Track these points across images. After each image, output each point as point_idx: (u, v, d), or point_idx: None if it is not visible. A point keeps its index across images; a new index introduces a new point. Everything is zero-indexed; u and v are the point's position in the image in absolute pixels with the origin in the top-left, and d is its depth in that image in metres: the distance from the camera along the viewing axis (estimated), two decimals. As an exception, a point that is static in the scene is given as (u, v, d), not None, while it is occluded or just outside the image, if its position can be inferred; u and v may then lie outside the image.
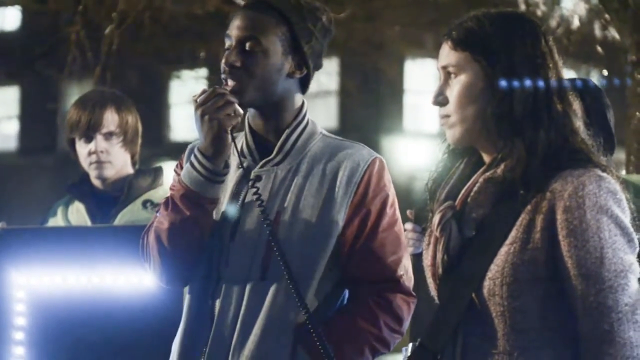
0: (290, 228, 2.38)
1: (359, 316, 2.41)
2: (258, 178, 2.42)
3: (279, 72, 2.42)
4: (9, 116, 21.40)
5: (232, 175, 2.44)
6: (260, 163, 2.43)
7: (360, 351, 2.40)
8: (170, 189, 2.48)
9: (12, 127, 21.54)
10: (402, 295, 2.44)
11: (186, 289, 2.50)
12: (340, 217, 2.40)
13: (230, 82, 2.38)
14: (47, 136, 18.15)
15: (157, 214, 2.43)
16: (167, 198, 2.42)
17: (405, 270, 2.46)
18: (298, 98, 2.48)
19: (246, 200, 2.42)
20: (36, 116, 18.82)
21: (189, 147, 2.52)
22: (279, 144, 2.44)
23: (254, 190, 2.38)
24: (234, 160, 2.44)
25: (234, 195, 2.43)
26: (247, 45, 2.39)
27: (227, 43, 2.43)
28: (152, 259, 2.42)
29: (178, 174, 2.48)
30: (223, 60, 2.40)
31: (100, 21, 9.09)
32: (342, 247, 2.41)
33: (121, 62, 10.03)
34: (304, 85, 2.48)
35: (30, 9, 12.18)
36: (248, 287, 2.37)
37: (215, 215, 2.43)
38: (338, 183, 2.41)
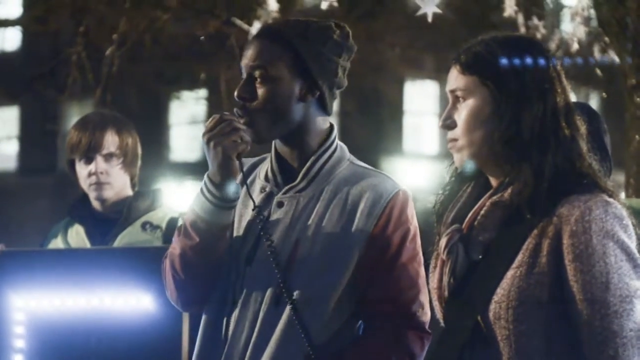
0: (309, 256, 2.35)
1: (370, 350, 2.37)
2: (280, 204, 2.39)
3: (290, 98, 2.39)
4: (9, 136, 21.40)
5: (255, 199, 2.40)
6: (284, 189, 2.40)
7: None
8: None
9: (12, 148, 21.54)
10: (416, 331, 2.39)
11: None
12: (358, 248, 2.36)
13: (242, 115, 2.37)
14: (47, 157, 18.15)
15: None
16: (179, 224, 2.41)
17: (421, 306, 2.40)
18: (321, 121, 2.44)
19: (266, 226, 2.38)
20: (36, 137, 18.83)
21: None
22: (303, 170, 2.41)
23: (265, 229, 2.35)
24: (258, 184, 2.42)
25: (255, 220, 2.39)
26: (255, 75, 2.38)
27: (243, 74, 2.42)
28: (168, 284, 2.42)
29: None
30: (235, 93, 2.39)
31: (101, 42, 9.11)
32: (359, 279, 2.37)
33: (121, 83, 10.04)
34: (324, 107, 2.44)
35: (31, 29, 12.21)
36: (261, 313, 2.35)
37: (235, 236, 2.41)
38: (359, 214, 2.37)
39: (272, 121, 2.38)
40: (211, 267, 2.37)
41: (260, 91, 2.38)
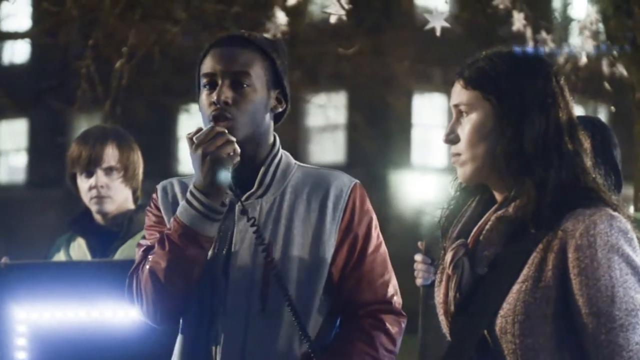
0: (284, 258, 2.40)
1: (357, 339, 2.43)
2: (244, 211, 2.41)
3: (266, 107, 2.44)
4: (18, 149, 21.48)
5: None
6: (244, 197, 2.43)
7: None
8: (145, 228, 2.49)
9: (21, 160, 21.61)
10: (394, 316, 2.48)
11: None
12: (331, 243, 2.43)
13: (224, 120, 2.37)
14: (56, 170, 18.16)
15: (150, 256, 2.40)
16: (160, 237, 2.40)
17: (396, 290, 2.51)
18: (272, 132, 2.50)
19: (236, 235, 2.42)
20: (45, 149, 18.89)
21: (161, 187, 2.52)
22: (259, 177, 2.45)
23: (254, 228, 2.38)
24: None
25: (223, 231, 2.42)
26: (237, 80, 2.40)
27: (206, 80, 2.41)
28: (145, 298, 2.40)
29: (155, 215, 2.48)
30: (214, 98, 2.38)
31: (110, 55, 9.13)
32: (334, 273, 2.44)
33: (130, 96, 10.07)
34: (278, 120, 2.51)
35: (40, 42, 12.26)
36: (250, 322, 2.38)
37: None
38: (325, 210, 2.44)
39: (248, 126, 2.41)
40: (194, 279, 2.38)
41: (243, 97, 2.40)
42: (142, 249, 2.45)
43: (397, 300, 2.50)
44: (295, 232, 2.41)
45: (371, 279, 2.45)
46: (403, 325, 2.50)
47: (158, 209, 2.50)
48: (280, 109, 2.48)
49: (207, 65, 2.42)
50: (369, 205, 2.49)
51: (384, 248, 2.51)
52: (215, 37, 2.51)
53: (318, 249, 2.41)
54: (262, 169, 2.44)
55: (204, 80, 2.42)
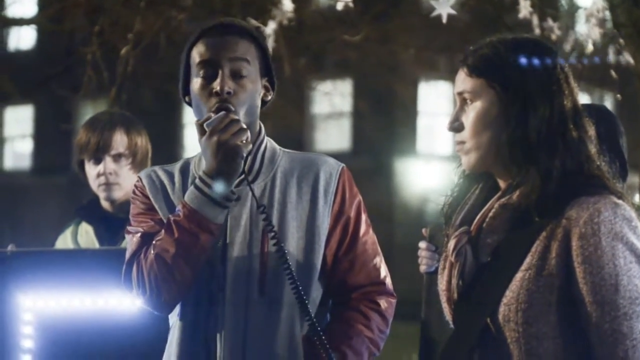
0: (282, 241, 2.39)
1: (354, 321, 2.46)
2: (237, 198, 2.42)
3: (259, 95, 2.46)
4: (23, 135, 21.51)
5: None
6: (235, 183, 2.42)
7: (360, 355, 2.45)
8: (132, 216, 2.48)
9: (26, 147, 21.65)
10: (387, 297, 2.52)
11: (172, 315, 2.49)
12: (325, 227, 2.46)
13: (227, 110, 2.36)
14: (61, 156, 18.23)
15: (155, 242, 2.39)
16: (167, 224, 2.38)
17: (387, 271, 2.54)
18: (258, 119, 2.51)
19: (230, 221, 2.42)
20: (50, 136, 18.92)
21: (145, 175, 2.51)
22: (247, 164, 2.45)
23: (264, 216, 2.38)
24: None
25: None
26: (237, 70, 2.40)
27: (202, 69, 2.40)
28: (149, 285, 2.39)
29: (143, 202, 2.47)
30: (217, 88, 2.37)
31: (116, 42, 9.13)
32: (327, 256, 2.47)
33: (136, 83, 10.06)
34: (262, 107, 2.52)
35: (46, 29, 12.26)
36: (250, 308, 2.39)
37: None
38: (317, 194, 2.46)
39: (247, 116, 2.41)
40: (199, 266, 2.38)
41: (242, 87, 2.40)
42: (138, 235, 2.45)
43: (389, 282, 2.53)
44: (289, 217, 2.43)
45: (364, 261, 2.49)
46: (394, 305, 2.53)
47: (146, 196, 2.49)
48: (268, 97, 2.50)
49: (203, 53, 2.41)
50: (356, 188, 2.53)
51: (372, 230, 2.54)
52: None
53: (312, 233, 2.43)
54: (250, 157, 2.45)
55: (199, 69, 2.41)
